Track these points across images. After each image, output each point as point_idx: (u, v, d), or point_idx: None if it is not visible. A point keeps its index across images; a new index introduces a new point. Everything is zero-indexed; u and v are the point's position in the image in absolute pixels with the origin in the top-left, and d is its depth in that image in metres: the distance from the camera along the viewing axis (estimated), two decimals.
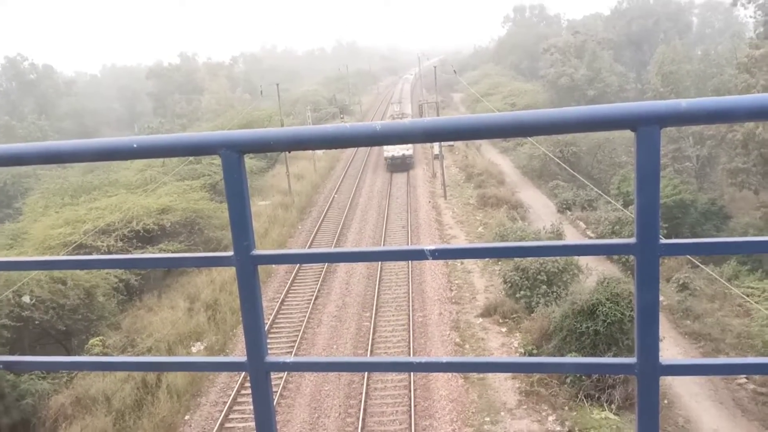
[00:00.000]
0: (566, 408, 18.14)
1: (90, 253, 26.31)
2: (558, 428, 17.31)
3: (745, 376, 19.64)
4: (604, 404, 18.05)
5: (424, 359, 1.64)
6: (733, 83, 39.65)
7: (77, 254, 25.00)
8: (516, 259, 24.04)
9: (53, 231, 28.39)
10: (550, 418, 17.70)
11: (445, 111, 69.35)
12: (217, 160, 1.55)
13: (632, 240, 1.41)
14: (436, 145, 44.57)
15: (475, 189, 42.16)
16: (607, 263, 27.98)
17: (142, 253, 27.13)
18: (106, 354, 21.61)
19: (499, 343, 22.02)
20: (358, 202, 41.74)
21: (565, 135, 35.64)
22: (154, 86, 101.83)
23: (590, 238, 32.92)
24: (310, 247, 32.75)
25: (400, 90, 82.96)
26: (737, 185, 37.27)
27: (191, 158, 36.99)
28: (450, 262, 28.14)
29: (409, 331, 22.82)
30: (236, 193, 1.56)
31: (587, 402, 18.20)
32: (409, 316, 24.02)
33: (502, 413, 17.91)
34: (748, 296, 22.19)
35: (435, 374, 19.26)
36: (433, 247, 1.52)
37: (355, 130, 1.48)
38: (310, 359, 1.74)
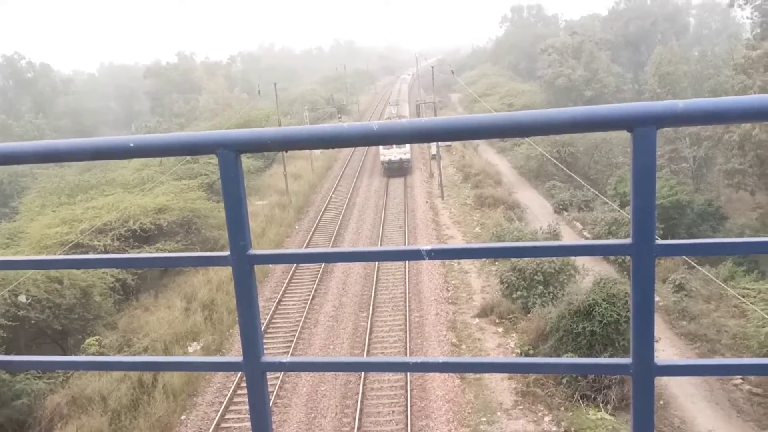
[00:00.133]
0: (562, 408, 18.16)
1: (87, 253, 26.26)
2: (554, 428, 17.33)
3: (740, 376, 19.69)
4: (600, 405, 18.07)
5: (420, 359, 1.64)
6: (730, 84, 39.75)
7: (74, 254, 24.96)
8: (513, 259, 24.07)
9: (50, 230, 28.33)
10: (546, 419, 17.72)
11: (442, 111, 69.37)
12: (214, 160, 1.55)
13: (628, 240, 1.41)
14: (433, 145, 44.54)
15: (473, 189, 42.19)
16: (604, 264, 28.02)
17: (139, 252, 27.10)
18: (102, 354, 21.58)
19: (496, 344, 22.03)
20: (355, 201, 41.73)
21: (563, 135, 35.68)
22: (152, 85, 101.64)
23: (587, 238, 32.97)
24: (307, 246, 32.74)
25: (398, 90, 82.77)
26: (734, 186, 37.35)
27: (188, 158, 36.96)
28: (447, 262, 28.16)
29: (405, 332, 22.82)
30: (233, 193, 1.56)
31: (583, 402, 18.23)
32: (405, 316, 24.03)
33: (499, 413, 17.92)
34: (743, 297, 22.24)
35: (431, 374, 19.27)
36: (429, 247, 1.52)
37: (352, 130, 1.48)
38: (305, 359, 1.74)
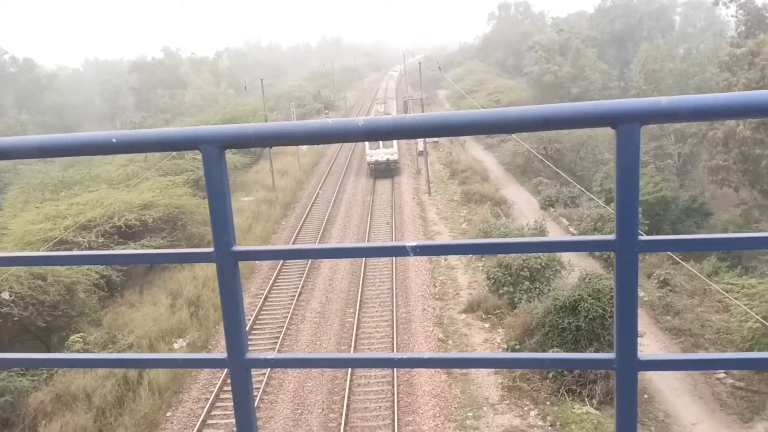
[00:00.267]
0: (548, 403, 18.28)
1: (71, 249, 26.05)
2: (540, 423, 17.44)
3: (723, 371, 19.91)
4: (586, 399, 18.22)
5: (406, 355, 1.64)
6: (715, 81, 40.05)
7: (58, 250, 24.75)
8: (499, 255, 24.16)
9: (33, 226, 28.06)
10: (532, 413, 17.83)
11: (430, 107, 69.43)
12: (199, 155, 1.53)
13: (612, 237, 1.42)
14: (420, 141, 44.55)
15: (460, 185, 42.29)
16: (589, 259, 28.20)
17: (124, 249, 26.92)
18: (86, 351, 21.44)
19: (482, 339, 22.13)
20: (342, 198, 41.69)
21: (549, 132, 35.89)
22: (137, 81, 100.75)
23: (573, 234, 33.15)
24: (293, 243, 32.68)
25: (385, 88, 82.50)
26: (718, 183, 37.69)
27: (174, 153, 36.75)
28: (434, 258, 28.21)
29: (392, 327, 22.85)
30: (217, 189, 1.55)
31: (569, 397, 18.36)
32: (392, 312, 24.06)
33: (485, 408, 18.01)
34: (727, 292, 22.47)
35: (418, 370, 19.32)
36: (414, 243, 1.52)
37: (337, 126, 1.48)
38: (290, 355, 1.73)
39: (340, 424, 17.53)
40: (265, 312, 25.13)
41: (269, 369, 19.39)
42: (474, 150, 55.60)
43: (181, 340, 23.09)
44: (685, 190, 39.26)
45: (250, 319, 23.95)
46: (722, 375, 20.57)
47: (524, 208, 38.94)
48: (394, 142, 43.79)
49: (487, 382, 19.15)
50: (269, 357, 1.67)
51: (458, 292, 25.85)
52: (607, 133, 42.45)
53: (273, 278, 27.65)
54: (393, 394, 18.58)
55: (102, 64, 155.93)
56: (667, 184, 37.91)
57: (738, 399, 19.62)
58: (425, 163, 42.52)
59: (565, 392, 18.48)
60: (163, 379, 19.78)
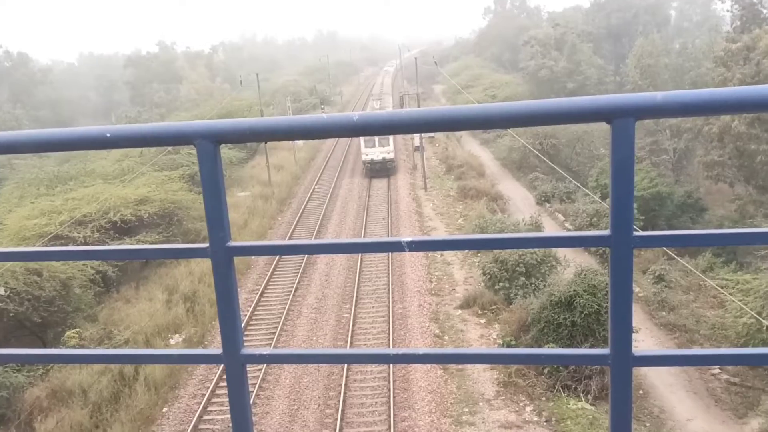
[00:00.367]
0: (543, 398, 18.34)
1: (66, 245, 25.98)
2: (535, 418, 17.49)
3: (718, 366, 19.99)
4: (581, 395, 18.28)
5: (401, 350, 1.64)
6: (710, 76, 40.10)
7: (53, 245, 24.69)
8: (495, 251, 24.19)
9: (29, 222, 27.99)
10: (528, 409, 17.88)
11: (426, 102, 69.38)
12: (195, 150, 1.53)
13: (607, 232, 1.42)
14: (416, 136, 44.50)
15: (456, 181, 42.29)
16: (585, 255, 28.26)
17: (119, 244, 26.86)
18: (82, 346, 21.41)
19: (478, 335, 22.17)
20: (338, 193, 41.67)
21: (544, 127, 35.83)
22: (132, 75, 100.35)
23: (568, 230, 33.20)
24: (290, 238, 32.65)
25: (381, 83, 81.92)
26: (713, 178, 37.78)
27: (169, 148, 36.64)
28: (430, 254, 28.23)
29: (388, 323, 22.88)
30: (212, 184, 1.54)
31: (564, 392, 18.41)
32: (389, 307, 24.08)
33: (481, 404, 18.05)
34: (722, 288, 22.54)
35: (414, 366, 19.34)
36: (410, 238, 1.52)
37: (332, 121, 1.47)
38: (286, 351, 1.73)
39: (337, 419, 17.55)
40: (261, 308, 25.12)
41: (265, 365, 19.40)
42: (470, 145, 55.60)
43: (177, 335, 23.08)
44: (680, 186, 39.36)
45: (246, 315, 23.95)
46: (717, 371, 20.66)
47: (520, 204, 38.98)
48: (390, 140, 43.46)
49: (483, 378, 19.19)
50: (265, 353, 1.67)
51: (454, 287, 25.88)
52: (602, 129, 42.48)
53: (269, 274, 27.64)
54: (389, 390, 18.60)
55: (97, 59, 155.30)
56: (662, 179, 38.00)
57: (732, 394, 19.71)
58: (421, 158, 42.50)
59: (560, 388, 18.54)
60: (159, 374, 19.77)
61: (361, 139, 42.82)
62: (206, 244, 1.59)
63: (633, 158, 1.37)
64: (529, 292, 23.19)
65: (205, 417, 18.33)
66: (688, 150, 43.65)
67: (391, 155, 44.38)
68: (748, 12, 42.53)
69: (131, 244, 26.85)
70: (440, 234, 31.76)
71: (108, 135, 1.55)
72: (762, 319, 19.35)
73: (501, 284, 24.20)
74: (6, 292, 21.70)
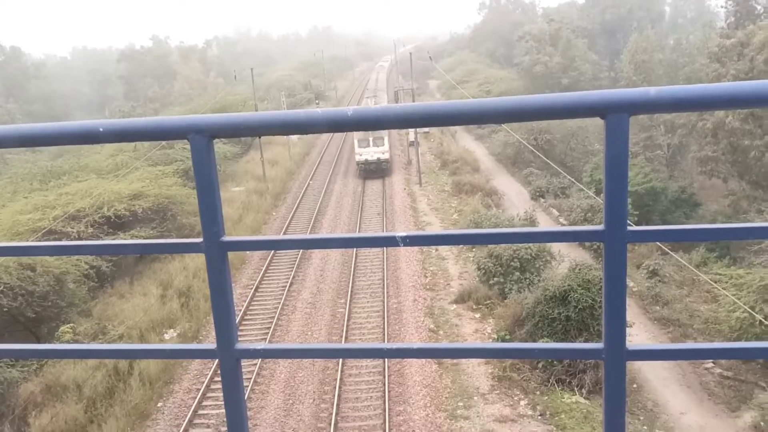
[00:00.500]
0: (538, 392, 18.40)
1: (60, 240, 25.89)
2: (530, 412, 17.56)
3: (711, 360, 20.09)
4: (575, 388, 18.35)
5: (396, 345, 1.64)
6: (704, 72, 40.19)
7: (47, 240, 24.61)
8: (490, 245, 24.22)
9: (22, 217, 27.86)
10: (522, 403, 17.95)
11: (420, 97, 69.27)
12: (189, 145, 1.52)
13: (601, 227, 1.42)
14: (411, 131, 44.39)
15: (450, 176, 42.30)
16: (579, 250, 28.32)
17: (113, 239, 26.80)
18: (76, 341, 21.36)
19: (473, 329, 22.22)
20: (333, 188, 41.63)
21: (539, 122, 35.92)
22: (126, 70, 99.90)
23: (563, 225, 33.27)
24: (284, 233, 32.63)
25: (375, 79, 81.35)
26: (707, 173, 37.90)
27: (163, 143, 36.54)
28: (425, 249, 28.25)
29: (383, 318, 22.90)
30: (205, 179, 1.54)
31: (558, 386, 18.48)
32: (383, 302, 24.10)
33: (475, 398, 18.11)
34: (715, 282, 22.63)
35: (409, 360, 19.39)
36: (404, 233, 1.52)
37: (326, 116, 1.47)
38: (280, 346, 1.73)
39: (332, 414, 17.58)
40: (255, 303, 25.11)
41: (260, 359, 19.40)
42: (465, 140, 55.60)
43: (172, 330, 23.06)
44: (674, 181, 39.46)
45: (240, 310, 23.94)
46: (710, 365, 20.76)
47: (515, 199, 39.03)
48: (386, 139, 42.44)
49: (478, 372, 19.25)
50: (259, 347, 1.67)
51: (449, 282, 25.92)
52: (597, 124, 42.55)
53: (264, 269, 27.62)
54: (384, 384, 18.64)
55: (90, 53, 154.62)
56: (656, 174, 38.09)
57: (726, 388, 19.82)
58: (416, 153, 42.48)
59: (554, 382, 18.61)
60: (154, 369, 19.76)
61: (355, 138, 42.09)
62: (200, 239, 1.58)
63: (627, 153, 1.37)
64: (523, 286, 23.25)
65: (200, 412, 18.34)
66: (682, 145, 43.77)
67: (386, 155, 42.91)
68: (742, 8, 42.64)
69: (125, 238, 26.79)
70: (435, 229, 31.78)
71: (101, 129, 1.54)
72: (755, 314, 19.45)
73: (495, 279, 24.24)
74: None
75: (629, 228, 1.41)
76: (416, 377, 19.07)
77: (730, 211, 34.68)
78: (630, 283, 24.76)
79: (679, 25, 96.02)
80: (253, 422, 17.51)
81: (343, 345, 1.74)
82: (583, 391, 18.24)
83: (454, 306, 23.84)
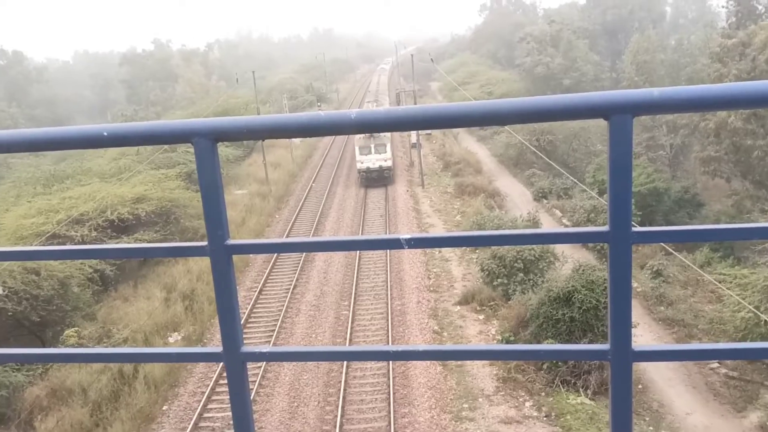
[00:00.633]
0: (543, 394, 18.37)
1: (63, 243, 25.94)
2: (535, 414, 17.53)
3: (717, 361, 20.04)
4: (580, 390, 18.31)
5: (401, 347, 1.64)
6: (706, 72, 40.12)
7: (50, 244, 24.65)
8: (493, 247, 24.20)
9: (25, 221, 27.93)
10: (527, 404, 17.92)
11: (422, 99, 69.30)
12: (192, 149, 1.53)
13: (605, 228, 1.42)
14: (413, 133, 44.35)
15: (453, 177, 42.30)
16: (583, 251, 28.29)
17: (117, 243, 26.83)
18: (81, 345, 21.40)
19: (477, 331, 22.19)
20: (336, 190, 41.64)
21: (541, 124, 35.89)
22: (128, 73, 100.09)
23: (566, 226, 33.23)
24: (287, 236, 32.64)
25: (377, 83, 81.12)
26: (710, 173, 37.83)
27: (166, 147, 36.57)
28: (428, 250, 28.25)
29: (387, 320, 22.89)
30: (209, 182, 1.54)
31: (563, 387, 18.45)
32: (387, 304, 24.09)
33: (480, 400, 18.08)
34: (720, 283, 22.57)
35: (413, 362, 19.37)
36: (408, 236, 1.52)
37: (329, 119, 1.48)
38: (286, 349, 1.73)
39: (337, 416, 17.57)
40: (259, 305, 25.12)
41: (264, 363, 19.40)
42: (467, 142, 55.60)
43: (176, 334, 23.07)
44: (677, 181, 39.40)
45: (245, 313, 23.94)
46: (716, 365, 20.71)
47: (517, 200, 39.02)
48: (388, 146, 41.35)
49: (483, 374, 19.22)
50: (265, 350, 1.67)
51: (453, 284, 25.90)
52: (599, 125, 42.52)
53: (267, 271, 27.63)
54: (389, 387, 18.63)
55: (92, 57, 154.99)
56: (659, 175, 38.03)
57: (731, 388, 19.77)
58: (418, 155, 42.48)
59: (559, 383, 18.57)
60: (159, 373, 19.77)
61: (356, 145, 41.27)
62: (205, 243, 1.59)
63: (631, 154, 1.37)
64: (527, 288, 23.22)
65: (205, 415, 18.34)
66: (684, 146, 43.70)
67: (389, 163, 41.33)
68: (743, 8, 42.58)
69: (128, 242, 26.82)
70: (438, 231, 31.79)
71: (105, 134, 1.55)
72: (760, 314, 19.39)
73: (499, 280, 24.22)
74: (4, 291, 21.67)
75: (634, 229, 1.41)
76: (421, 379, 19.05)
77: (734, 211, 34.59)
78: (634, 284, 24.65)
79: (680, 25, 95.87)
80: (258, 425, 17.50)
81: (349, 348, 1.75)
82: (589, 392, 18.20)
83: (458, 307, 23.82)
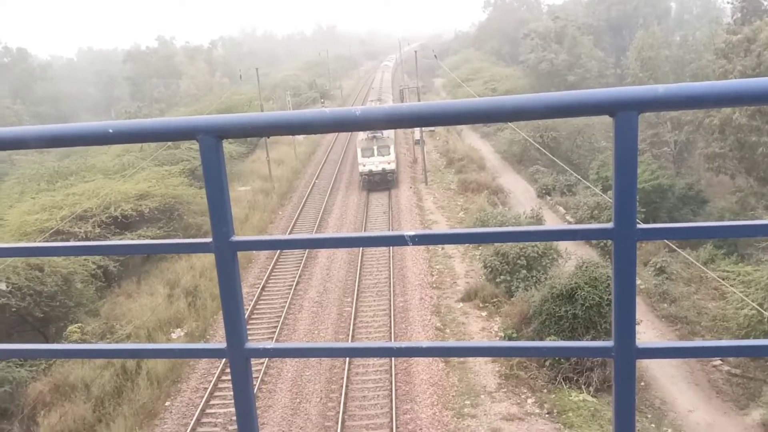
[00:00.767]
0: (545, 391, 18.37)
1: (67, 240, 26.01)
2: (537, 410, 17.53)
3: (719, 358, 20.02)
4: (583, 387, 18.30)
5: (404, 344, 1.65)
6: (711, 69, 40.00)
7: (54, 240, 24.71)
8: (496, 244, 24.18)
9: (29, 217, 28.01)
10: (530, 401, 17.92)
11: (426, 96, 69.24)
12: (196, 145, 1.53)
13: (610, 225, 1.42)
14: (417, 130, 44.30)
15: (456, 174, 42.25)
16: (586, 248, 28.25)
17: (120, 239, 26.90)
18: (84, 341, 21.46)
19: (480, 328, 22.20)
20: (339, 187, 41.65)
21: (545, 120, 35.87)
22: (132, 70, 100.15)
23: (569, 222, 33.20)
24: (290, 232, 32.68)
25: (380, 80, 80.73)
26: (714, 170, 37.72)
27: (170, 143, 36.62)
28: (431, 247, 28.24)
29: (390, 316, 22.90)
30: (214, 179, 1.54)
31: (566, 385, 18.45)
32: (390, 301, 24.11)
33: (482, 396, 18.09)
34: (723, 280, 22.53)
35: (416, 359, 19.39)
36: (413, 232, 1.52)
37: (334, 116, 1.48)
38: (290, 345, 1.73)
39: (339, 412, 17.60)
40: (262, 301, 25.16)
41: (267, 359, 19.45)
42: (470, 138, 55.53)
43: (179, 330, 23.13)
44: (681, 178, 39.31)
45: (247, 309, 23.98)
46: (718, 362, 20.69)
47: (521, 197, 38.97)
48: (391, 148, 40.08)
49: (485, 371, 19.23)
50: (269, 347, 1.68)
51: (455, 280, 25.90)
52: (603, 121, 42.45)
53: (270, 268, 27.66)
54: (391, 383, 18.65)
55: (96, 54, 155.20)
56: (663, 171, 37.96)
57: (734, 386, 19.74)
58: (422, 152, 42.45)
59: (562, 380, 18.57)
60: (162, 369, 19.83)
61: (358, 147, 40.12)
62: (209, 239, 1.59)
63: (636, 151, 1.37)
64: (530, 284, 23.21)
65: (208, 411, 18.39)
66: (689, 142, 43.58)
67: (392, 165, 39.51)
68: (748, 4, 42.39)
69: (132, 238, 26.88)
70: (441, 227, 31.77)
71: (110, 131, 1.55)
72: (763, 311, 19.36)
73: (502, 277, 24.21)
74: (8, 287, 21.74)
75: (638, 226, 1.41)
76: (423, 375, 19.07)
77: (738, 208, 34.51)
78: (637, 281, 24.65)
79: (685, 21, 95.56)
80: (260, 421, 17.54)
81: (352, 344, 1.75)
82: (591, 389, 18.19)
83: (461, 304, 23.83)
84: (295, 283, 26.13)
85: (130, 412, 18.18)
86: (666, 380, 19.76)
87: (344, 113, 1.47)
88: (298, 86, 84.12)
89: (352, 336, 21.97)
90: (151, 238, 26.60)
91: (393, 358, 19.22)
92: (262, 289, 25.89)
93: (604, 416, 17.07)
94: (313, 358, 19.36)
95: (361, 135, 39.04)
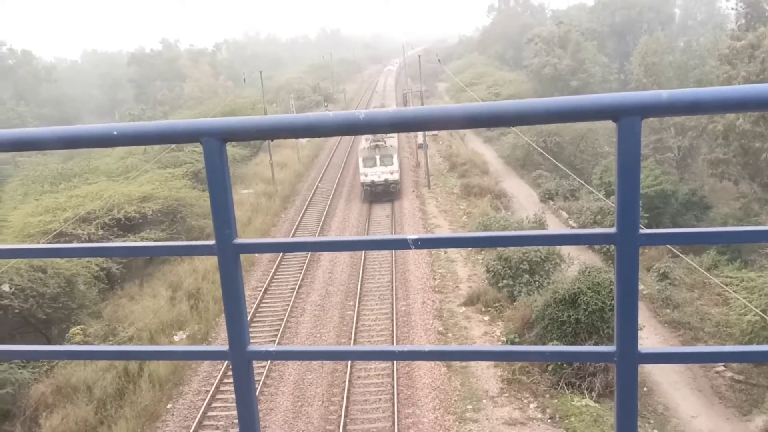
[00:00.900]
0: (547, 395, 18.33)
1: (70, 242, 26.05)
2: (539, 415, 17.49)
3: (723, 364, 19.96)
4: (585, 392, 18.26)
5: (406, 348, 1.65)
6: (715, 74, 39.99)
7: (57, 242, 24.75)
8: (499, 248, 24.16)
9: (33, 219, 28.05)
10: (532, 406, 17.88)
11: (429, 100, 69.31)
12: (199, 148, 1.53)
13: (613, 230, 1.42)
14: (420, 134, 44.30)
15: (459, 178, 42.25)
16: (589, 252, 28.22)
17: (123, 241, 26.92)
18: (87, 343, 21.47)
19: (482, 332, 22.16)
20: (342, 191, 41.65)
21: (548, 125, 35.88)
22: (136, 73, 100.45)
23: (572, 227, 33.16)
24: (293, 236, 32.68)
25: (383, 86, 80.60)
26: (717, 176, 37.68)
27: (173, 146, 36.67)
28: (433, 251, 28.22)
29: (392, 320, 22.88)
30: (218, 182, 1.55)
31: (568, 390, 18.40)
32: (392, 304, 24.08)
33: (485, 401, 18.05)
34: (726, 285, 22.49)
35: (418, 363, 19.36)
36: (415, 236, 1.52)
37: (338, 119, 1.48)
38: (292, 348, 1.74)
39: (341, 416, 17.58)
40: (265, 304, 25.16)
41: (269, 361, 19.43)
42: (473, 143, 55.53)
43: (182, 332, 23.13)
44: (684, 184, 39.27)
45: (250, 312, 23.98)
46: (721, 368, 20.63)
47: (524, 201, 38.95)
48: (394, 157, 38.51)
49: (487, 375, 19.19)
50: (271, 349, 1.68)
51: (458, 285, 25.87)
52: (606, 126, 42.42)
53: (273, 271, 27.66)
54: (393, 387, 18.62)
55: (100, 56, 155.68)
56: (666, 177, 37.92)
57: (737, 392, 19.69)
58: (425, 156, 42.46)
59: (564, 385, 18.53)
60: (164, 371, 19.82)
61: (359, 157, 38.90)
62: (213, 242, 1.59)
63: (639, 156, 1.37)
64: (532, 289, 23.18)
65: (210, 413, 18.37)
66: (692, 148, 43.54)
67: (396, 176, 37.70)
68: (753, 10, 42.38)
69: (135, 241, 26.91)
70: (444, 231, 31.75)
71: (115, 133, 1.56)
72: (766, 317, 19.31)
73: (505, 281, 24.19)
74: (11, 288, 21.77)
75: (641, 231, 1.41)
76: (425, 380, 19.03)
77: (741, 213, 34.45)
78: (640, 286, 24.58)
79: (689, 27, 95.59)
80: (262, 424, 17.45)
81: (354, 347, 1.75)
82: (593, 394, 18.15)
83: (463, 308, 23.79)
84: (297, 286, 26.13)
85: (131, 415, 18.17)
86: (669, 386, 19.70)
87: (348, 116, 1.47)
88: (301, 89, 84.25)
89: (354, 340, 21.95)
90: (154, 241, 26.65)
91: (395, 362, 19.20)
92: (265, 291, 25.89)
93: (607, 421, 17.02)
94: (315, 362, 19.35)
95: (363, 144, 38.71)
